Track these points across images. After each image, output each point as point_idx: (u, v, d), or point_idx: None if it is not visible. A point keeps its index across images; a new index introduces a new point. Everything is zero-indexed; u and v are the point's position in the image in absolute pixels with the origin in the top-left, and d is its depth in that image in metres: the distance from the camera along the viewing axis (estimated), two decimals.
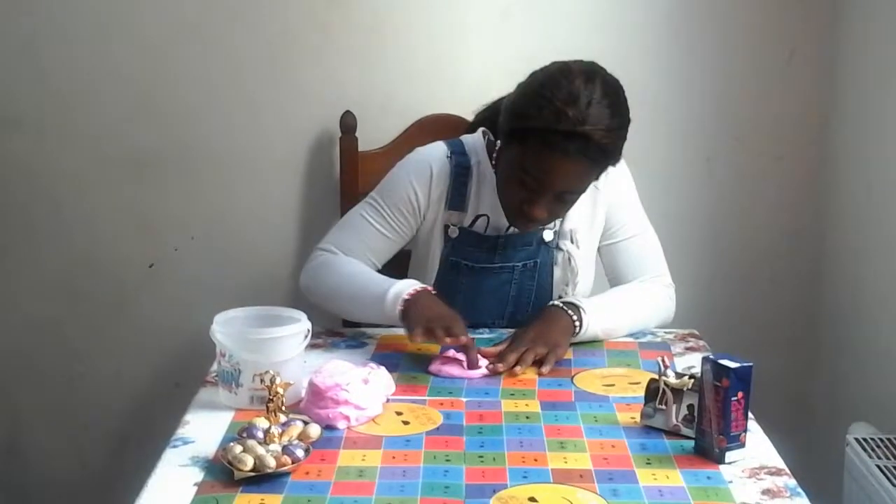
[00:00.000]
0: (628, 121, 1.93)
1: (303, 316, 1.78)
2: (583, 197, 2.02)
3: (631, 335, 2.08)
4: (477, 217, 2.08)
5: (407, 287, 1.93)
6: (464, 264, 2.10)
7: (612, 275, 2.16)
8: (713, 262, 2.63)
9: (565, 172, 1.89)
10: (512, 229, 2.07)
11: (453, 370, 1.87)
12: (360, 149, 2.45)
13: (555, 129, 1.85)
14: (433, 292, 1.96)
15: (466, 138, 2.13)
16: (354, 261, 2.06)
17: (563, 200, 1.96)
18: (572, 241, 2.10)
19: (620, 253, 2.14)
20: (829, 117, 2.55)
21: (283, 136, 2.52)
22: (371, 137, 2.43)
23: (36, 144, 2.52)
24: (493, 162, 2.06)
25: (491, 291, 2.12)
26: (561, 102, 1.85)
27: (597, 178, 2.00)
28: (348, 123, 2.44)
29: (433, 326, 1.85)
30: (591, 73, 1.90)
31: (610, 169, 2.00)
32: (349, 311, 2.07)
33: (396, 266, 2.15)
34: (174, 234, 2.56)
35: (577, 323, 1.97)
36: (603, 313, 2.00)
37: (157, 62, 2.49)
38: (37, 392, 2.65)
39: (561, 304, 1.99)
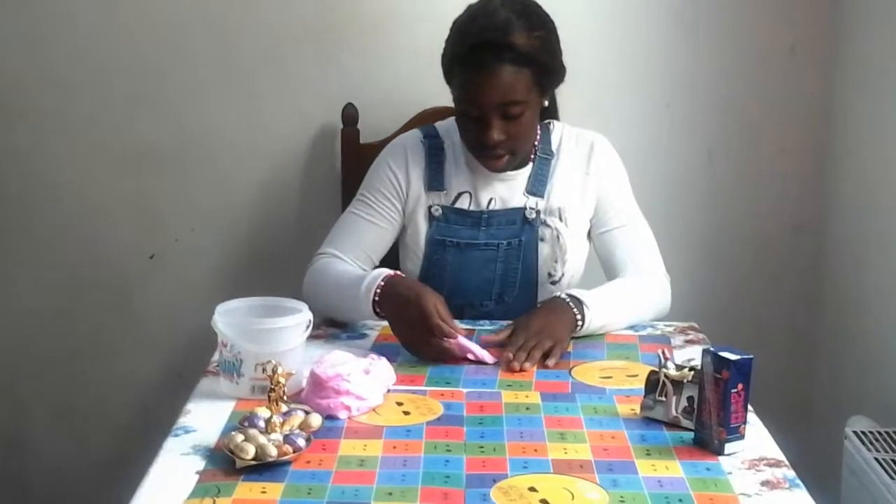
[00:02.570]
0: (548, 25, 2.01)
1: (304, 306, 1.79)
2: (572, 179, 2.12)
3: (631, 328, 2.08)
4: (459, 194, 2.12)
5: (373, 283, 1.94)
6: (449, 242, 2.12)
7: (606, 265, 2.17)
8: (714, 255, 2.64)
9: (495, 84, 1.95)
10: (494, 203, 2.11)
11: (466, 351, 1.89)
12: (361, 141, 2.45)
13: (470, 46, 1.95)
14: (401, 276, 1.98)
15: (440, 123, 2.20)
16: (341, 263, 2.09)
17: (511, 117, 1.99)
18: (560, 219, 2.12)
19: (613, 242, 2.15)
20: (830, 111, 2.55)
21: (284, 128, 2.53)
22: (373, 130, 2.43)
23: (37, 136, 2.53)
24: None
25: (477, 270, 2.13)
26: (470, 23, 1.98)
27: (541, 93, 2.03)
28: (350, 115, 2.45)
29: (416, 341, 1.89)
30: None
31: (596, 148, 2.14)
32: (346, 314, 2.06)
33: (394, 261, 2.17)
34: (175, 226, 2.57)
35: (580, 318, 1.97)
36: (603, 309, 2.00)
37: (159, 53, 2.50)
38: (39, 383, 2.66)
39: (566, 297, 1.98)
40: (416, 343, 1.89)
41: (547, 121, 2.20)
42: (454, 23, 2.03)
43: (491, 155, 2.04)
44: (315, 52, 2.49)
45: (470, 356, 1.88)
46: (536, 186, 2.12)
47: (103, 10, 2.47)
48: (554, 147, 2.16)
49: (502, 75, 1.95)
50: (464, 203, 2.13)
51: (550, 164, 2.15)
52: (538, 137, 2.16)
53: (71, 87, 2.50)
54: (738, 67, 2.54)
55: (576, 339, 1.99)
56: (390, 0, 2.47)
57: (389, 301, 1.92)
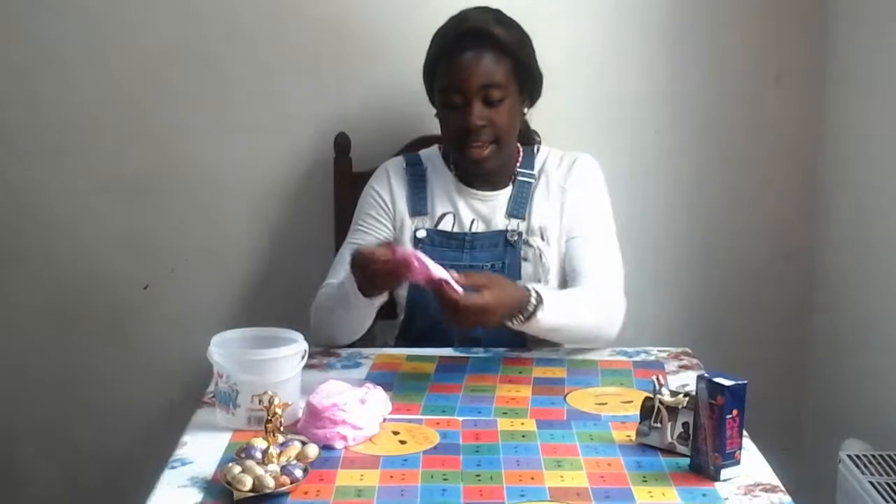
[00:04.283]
0: (522, 30, 2.13)
1: (300, 336, 1.79)
2: (551, 197, 2.15)
3: (625, 353, 2.09)
4: (443, 215, 2.16)
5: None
6: None
7: (566, 273, 2.16)
8: (705, 282, 2.65)
9: (477, 68, 2.06)
10: (476, 224, 2.15)
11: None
12: (354, 170, 2.46)
13: (452, 37, 2.09)
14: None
15: (423, 151, 2.27)
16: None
17: (492, 102, 2.07)
18: (543, 238, 2.14)
19: (573, 250, 2.14)
20: (818, 137, 2.57)
21: (277, 158, 2.54)
22: (365, 159, 2.44)
23: (30, 168, 2.53)
24: (451, 166, 2.20)
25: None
26: (449, 23, 2.13)
27: (520, 90, 2.12)
28: (342, 145, 2.46)
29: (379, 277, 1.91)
30: None
31: (578, 169, 2.17)
32: (343, 319, 2.07)
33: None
34: (169, 256, 2.57)
35: (530, 309, 1.90)
36: (555, 315, 1.94)
37: (151, 85, 2.50)
38: (33, 413, 2.65)
39: (533, 296, 1.91)
40: (381, 278, 1.91)
41: (534, 144, 2.24)
42: (435, 32, 2.14)
43: (474, 143, 2.08)
44: (306, 83, 2.51)
45: (427, 274, 1.85)
46: (516, 209, 2.15)
47: (94, 45, 2.48)
48: (536, 169, 2.20)
49: (483, 60, 2.07)
50: (447, 224, 2.17)
51: (531, 186, 2.18)
52: (520, 159, 2.20)
53: (63, 120, 2.51)
54: (726, 95, 2.56)
55: (569, 366, 2.00)
56: (382, 31, 2.49)
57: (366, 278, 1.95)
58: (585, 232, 2.14)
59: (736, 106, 2.57)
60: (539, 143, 2.27)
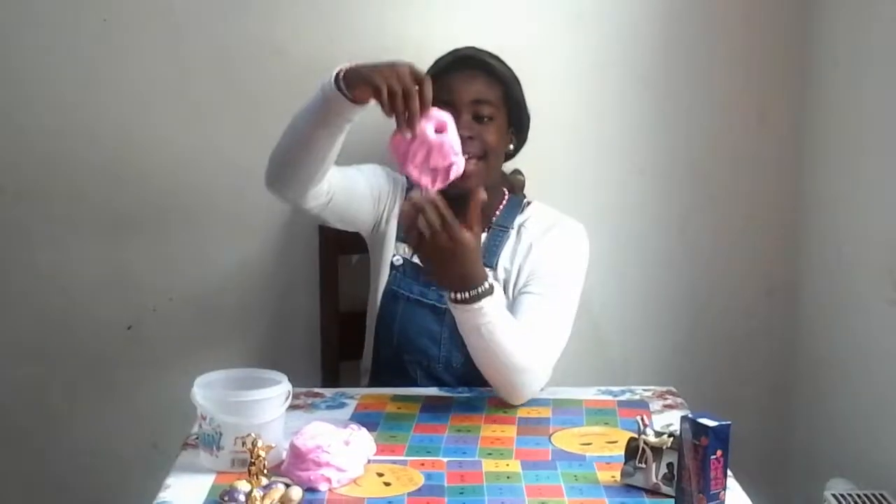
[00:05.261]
0: (512, 71, 2.16)
1: (283, 378, 1.78)
2: (520, 250, 2.12)
3: (610, 392, 2.09)
4: None
5: (332, 71, 1.88)
6: (401, 294, 2.14)
7: None
8: (689, 319, 2.65)
9: (470, 84, 2.09)
10: None
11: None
12: None
13: (448, 61, 2.12)
14: None
15: None
16: None
17: (481, 118, 2.08)
18: (505, 291, 2.11)
19: (521, 303, 2.05)
20: (800, 176, 2.59)
21: (261, 197, 2.49)
22: None
23: (13, 206, 2.53)
24: None
25: (424, 328, 2.13)
26: (445, 54, 2.15)
27: (508, 118, 2.14)
28: None
29: (391, 78, 1.79)
30: None
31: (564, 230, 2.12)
32: (296, 135, 1.97)
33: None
34: (153, 295, 2.56)
35: (479, 291, 1.85)
36: (493, 316, 1.87)
37: (135, 124, 2.50)
38: (13, 453, 2.62)
39: (490, 279, 1.88)
40: (382, 75, 1.80)
41: (527, 200, 2.22)
42: (434, 62, 2.15)
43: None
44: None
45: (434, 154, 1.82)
46: (487, 258, 2.10)
47: (80, 84, 2.48)
48: (516, 223, 2.17)
49: (477, 79, 2.10)
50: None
51: (505, 236, 2.16)
52: (501, 207, 2.19)
53: (46, 158, 2.50)
54: (709, 135, 2.57)
55: (554, 405, 2.00)
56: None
57: (357, 67, 1.85)
58: (539, 290, 2.07)
59: (719, 146, 2.58)
60: (526, 200, 2.24)
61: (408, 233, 1.84)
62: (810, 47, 2.53)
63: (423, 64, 2.14)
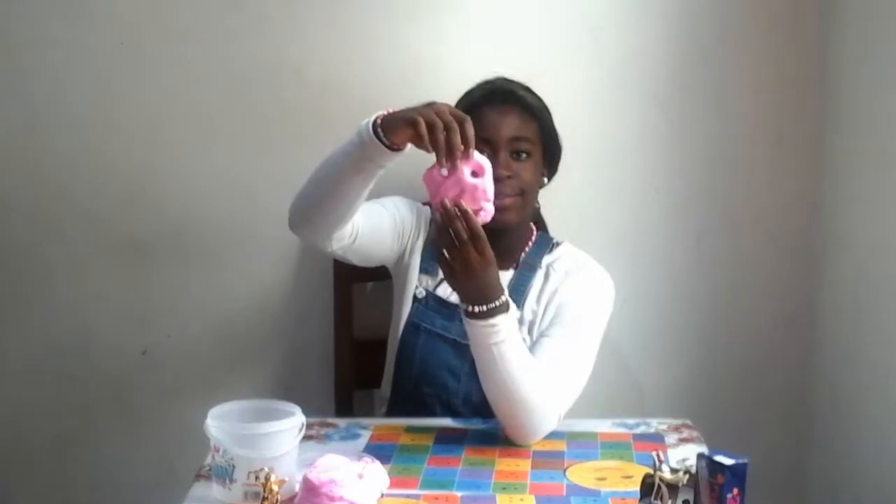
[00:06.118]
0: (545, 103, 2.15)
1: (297, 409, 1.77)
2: (545, 295, 2.11)
3: (625, 425, 2.08)
4: (443, 279, 2.07)
5: (369, 120, 1.86)
6: (423, 327, 2.13)
7: None
8: (705, 346, 2.63)
9: (508, 120, 2.08)
10: None
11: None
12: None
13: (479, 93, 2.11)
14: None
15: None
16: None
17: (519, 156, 2.08)
18: (529, 332, 2.10)
19: (540, 346, 2.02)
20: (819, 199, 2.57)
21: (276, 222, 2.51)
22: None
23: (29, 230, 2.53)
24: None
25: (444, 362, 2.12)
26: (478, 86, 2.15)
27: (543, 154, 2.13)
28: None
29: (438, 113, 1.80)
30: None
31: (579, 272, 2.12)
32: (327, 179, 1.94)
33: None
34: (167, 321, 2.56)
35: (496, 304, 1.85)
36: (506, 333, 1.87)
37: (151, 148, 2.51)
38: (29, 474, 2.62)
39: (507, 297, 1.89)
40: (420, 112, 1.80)
41: (556, 241, 2.21)
42: (460, 97, 2.14)
43: (499, 194, 1.97)
44: (308, 144, 2.50)
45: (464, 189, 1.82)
46: (514, 297, 2.06)
47: (96, 106, 2.49)
48: (544, 262, 2.17)
49: (514, 114, 2.10)
50: (444, 292, 2.13)
51: (533, 276, 2.15)
52: (530, 244, 2.18)
53: (63, 182, 2.51)
54: (726, 156, 2.56)
55: (569, 438, 1.98)
56: (383, 94, 2.47)
57: (395, 111, 1.85)
58: (559, 332, 2.05)
59: (736, 167, 2.57)
60: (556, 241, 2.22)
61: (437, 239, 1.86)
62: (829, 65, 2.51)
63: (443, 86, 2.14)
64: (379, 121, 1.85)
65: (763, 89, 2.54)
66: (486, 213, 1.86)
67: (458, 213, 1.82)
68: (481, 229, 1.83)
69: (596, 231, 2.49)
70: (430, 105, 1.83)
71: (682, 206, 2.59)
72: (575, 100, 2.52)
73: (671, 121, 2.55)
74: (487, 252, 1.84)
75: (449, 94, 2.09)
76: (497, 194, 1.94)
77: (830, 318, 2.56)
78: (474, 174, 1.84)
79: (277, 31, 2.48)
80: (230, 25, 2.47)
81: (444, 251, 1.84)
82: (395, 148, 1.86)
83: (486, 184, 1.85)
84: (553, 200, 2.30)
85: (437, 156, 1.81)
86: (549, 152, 2.16)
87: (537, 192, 2.17)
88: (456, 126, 1.80)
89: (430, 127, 1.79)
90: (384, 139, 1.84)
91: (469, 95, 2.14)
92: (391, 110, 1.86)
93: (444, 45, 2.49)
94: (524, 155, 2.09)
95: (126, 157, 2.51)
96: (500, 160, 2.04)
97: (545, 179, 2.19)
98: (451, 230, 1.82)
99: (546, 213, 2.31)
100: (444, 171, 1.83)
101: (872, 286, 2.35)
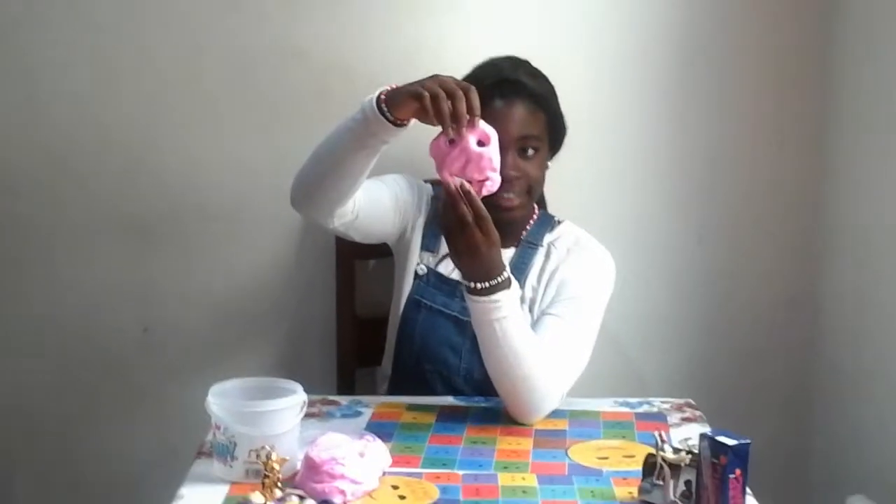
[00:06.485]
0: (550, 82, 2.12)
1: (298, 387, 1.77)
2: (546, 273, 2.11)
3: (627, 405, 2.07)
4: (445, 255, 2.09)
5: (373, 95, 1.85)
6: (424, 303, 2.13)
7: None
8: (707, 330, 2.63)
9: (515, 118, 2.03)
10: None
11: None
12: None
13: (486, 86, 1.99)
14: None
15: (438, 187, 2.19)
16: None
17: (527, 154, 2.05)
18: (530, 310, 2.10)
19: (541, 324, 2.03)
20: (820, 191, 2.57)
21: (278, 200, 2.50)
22: None
23: (31, 209, 2.53)
24: None
25: (446, 339, 2.12)
26: (481, 69, 2.10)
27: (550, 144, 2.11)
28: None
29: (441, 85, 1.78)
30: None
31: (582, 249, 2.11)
32: (330, 155, 1.93)
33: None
34: (168, 298, 2.55)
35: (499, 280, 1.85)
36: (508, 310, 1.87)
37: (153, 128, 2.50)
38: (30, 453, 2.63)
39: (509, 274, 1.88)
40: (424, 85, 1.79)
41: (558, 219, 2.21)
42: (466, 77, 2.06)
43: (506, 194, 1.99)
44: (311, 123, 2.48)
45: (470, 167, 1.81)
46: (516, 275, 2.03)
47: (97, 86, 2.48)
48: (545, 241, 2.16)
49: (521, 110, 2.05)
50: (446, 269, 2.13)
51: (534, 254, 2.14)
52: (532, 223, 2.17)
53: (63, 161, 2.50)
54: (728, 157, 2.57)
55: (571, 417, 1.98)
56: (385, 71, 2.45)
57: (398, 86, 1.83)
58: (560, 311, 2.04)
59: (738, 167, 2.57)
60: (557, 219, 2.21)
61: (443, 217, 1.85)
62: (830, 64, 2.51)
63: (446, 67, 2.12)
64: (383, 96, 1.84)
65: (767, 81, 2.54)
66: (493, 182, 1.84)
67: (462, 195, 1.81)
68: (485, 210, 1.82)
69: (598, 215, 2.48)
70: (434, 77, 1.82)
71: (683, 195, 2.58)
72: (578, 92, 2.46)
73: (673, 113, 2.54)
74: (492, 233, 1.83)
75: (452, 74, 2.06)
76: (504, 194, 1.97)
77: (832, 302, 2.56)
78: (480, 143, 1.82)
79: (281, 13, 2.46)
80: (234, 7, 2.46)
81: (450, 232, 1.84)
82: (400, 123, 1.84)
83: (493, 153, 1.83)
84: (555, 192, 2.28)
85: (442, 125, 1.80)
86: (554, 139, 2.14)
87: (544, 181, 2.14)
88: (461, 94, 1.78)
89: (434, 98, 1.78)
90: (388, 114, 1.83)
91: (476, 81, 2.06)
92: (394, 86, 1.85)
93: (446, 25, 2.48)
94: (531, 151, 2.06)
95: (127, 136, 2.50)
96: (507, 161, 1.98)
97: (548, 164, 2.15)
98: (461, 210, 1.81)
99: (548, 196, 2.29)
100: (450, 139, 1.81)
101: (871, 272, 2.35)
